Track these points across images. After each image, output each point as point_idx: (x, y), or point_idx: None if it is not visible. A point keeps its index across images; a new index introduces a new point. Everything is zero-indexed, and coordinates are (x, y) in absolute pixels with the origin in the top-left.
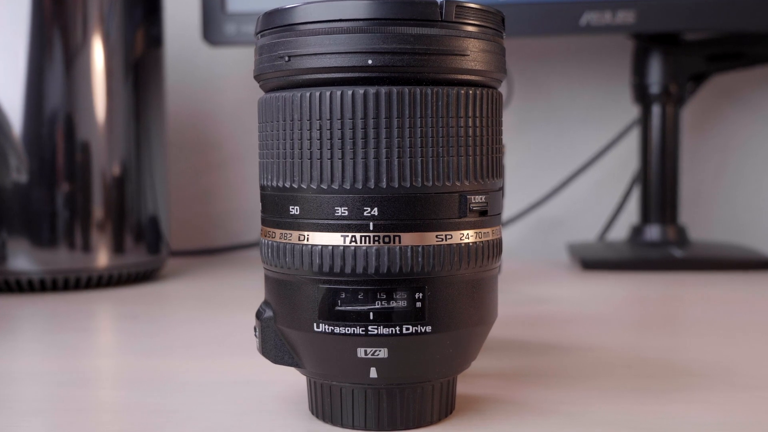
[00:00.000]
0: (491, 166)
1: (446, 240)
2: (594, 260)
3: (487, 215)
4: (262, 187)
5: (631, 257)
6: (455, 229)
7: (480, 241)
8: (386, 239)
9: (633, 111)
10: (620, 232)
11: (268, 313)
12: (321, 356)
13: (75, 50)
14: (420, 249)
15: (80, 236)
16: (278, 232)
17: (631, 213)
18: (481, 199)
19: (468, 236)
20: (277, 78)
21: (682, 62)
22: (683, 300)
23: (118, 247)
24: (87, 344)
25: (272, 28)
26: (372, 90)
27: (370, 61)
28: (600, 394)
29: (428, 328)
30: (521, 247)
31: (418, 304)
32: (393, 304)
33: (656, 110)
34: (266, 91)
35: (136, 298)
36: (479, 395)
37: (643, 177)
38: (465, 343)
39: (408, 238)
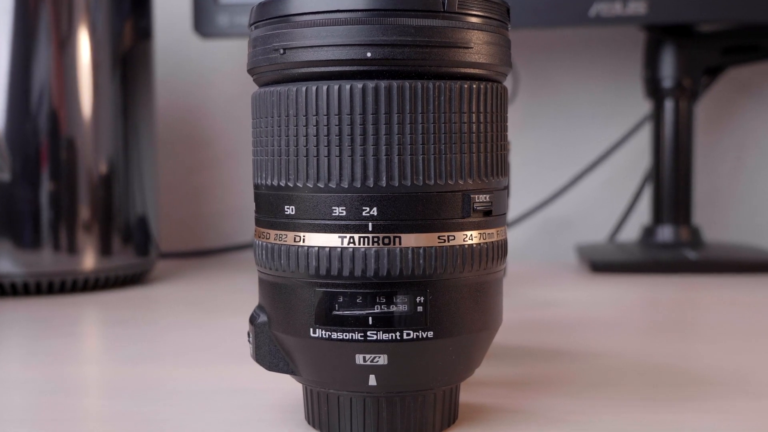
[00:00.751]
0: (496, 164)
1: (449, 241)
2: (604, 262)
3: (492, 215)
4: (256, 186)
5: (643, 259)
6: (458, 230)
7: (484, 243)
8: (386, 240)
9: (645, 106)
10: (631, 233)
11: (262, 318)
12: (317, 363)
13: (60, 43)
14: (421, 251)
15: (65, 237)
16: (273, 233)
17: (643, 213)
18: (485, 198)
19: (471, 237)
20: (271, 72)
21: (696, 55)
22: (697, 304)
23: (105, 249)
24: (72, 350)
25: (266, 20)
26: (371, 84)
27: (369, 54)
28: (610, 402)
29: (430, 334)
30: (527, 249)
31: (420, 309)
32: (393, 308)
33: (669, 105)
34: (260, 86)
35: (124, 303)
36: (483, 404)
37: (655, 175)
38: (468, 350)
39: (409, 240)
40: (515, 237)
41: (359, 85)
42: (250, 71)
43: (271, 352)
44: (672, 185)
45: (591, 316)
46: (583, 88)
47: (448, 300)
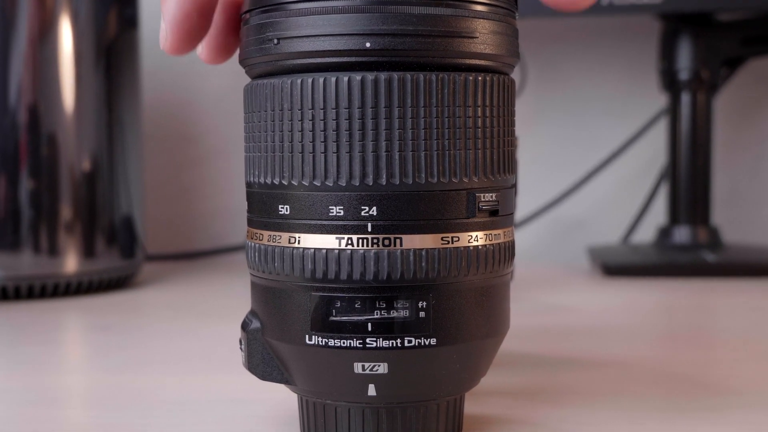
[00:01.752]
0: (503, 161)
1: (453, 243)
2: (617, 265)
3: (499, 215)
4: (249, 184)
5: (658, 262)
6: (463, 231)
7: (490, 244)
8: (386, 242)
9: (660, 100)
10: (646, 233)
11: (255, 324)
12: (314, 372)
13: (40, 32)
14: (423, 253)
15: (46, 238)
16: (266, 233)
17: (658, 213)
18: (491, 197)
19: (477, 238)
20: (265, 63)
21: (714, 45)
22: (716, 309)
23: (88, 251)
24: (54, 358)
25: (259, 8)
26: (370, 76)
27: (368, 44)
28: (624, 414)
29: (433, 341)
30: (536, 251)
31: (422, 314)
32: (394, 313)
33: (686, 99)
34: (253, 78)
35: (109, 307)
36: (489, 415)
37: (671, 173)
38: (474, 358)
39: (410, 241)
40: (523, 238)
41: (358, 77)
42: (242, 62)
43: (264, 361)
44: (689, 183)
45: (603, 321)
46: (596, 80)
47: (452, 305)
